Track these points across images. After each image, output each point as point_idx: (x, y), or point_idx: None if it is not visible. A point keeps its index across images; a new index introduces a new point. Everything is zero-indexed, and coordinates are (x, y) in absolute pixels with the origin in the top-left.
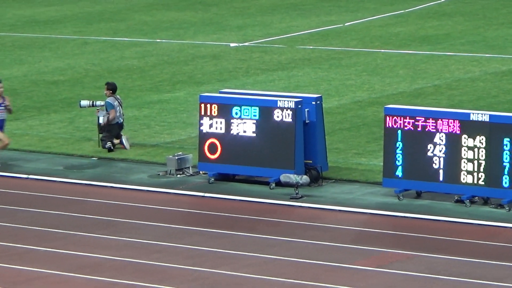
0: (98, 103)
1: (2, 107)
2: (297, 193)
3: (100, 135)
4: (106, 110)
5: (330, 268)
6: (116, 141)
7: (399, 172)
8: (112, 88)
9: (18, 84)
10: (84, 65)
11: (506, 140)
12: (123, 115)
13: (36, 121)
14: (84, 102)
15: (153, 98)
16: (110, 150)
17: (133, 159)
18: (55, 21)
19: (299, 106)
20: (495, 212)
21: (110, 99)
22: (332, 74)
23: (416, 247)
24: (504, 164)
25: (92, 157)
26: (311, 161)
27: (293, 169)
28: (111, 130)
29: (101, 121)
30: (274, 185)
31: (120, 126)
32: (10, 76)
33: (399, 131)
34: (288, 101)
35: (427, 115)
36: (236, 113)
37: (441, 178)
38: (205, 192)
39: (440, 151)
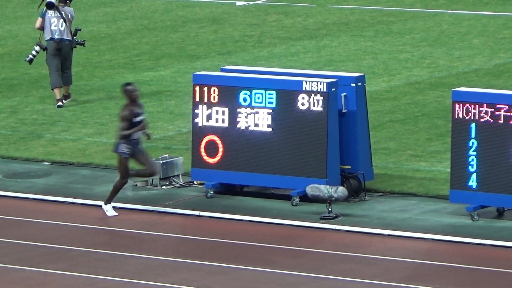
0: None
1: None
2: (330, 211)
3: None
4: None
5: None
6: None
7: (472, 182)
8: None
9: None
10: (32, 32)
11: None
12: (74, 34)
13: None
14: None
15: (127, 78)
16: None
17: (100, 164)
18: None
19: (333, 89)
20: None
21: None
22: (378, 45)
23: None
24: None
25: (43, 161)
26: (349, 167)
27: (324, 178)
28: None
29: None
30: (297, 200)
31: (58, 46)
32: None
33: (473, 125)
34: (317, 82)
35: None
36: (245, 100)
37: None
38: (200, 210)
39: None
